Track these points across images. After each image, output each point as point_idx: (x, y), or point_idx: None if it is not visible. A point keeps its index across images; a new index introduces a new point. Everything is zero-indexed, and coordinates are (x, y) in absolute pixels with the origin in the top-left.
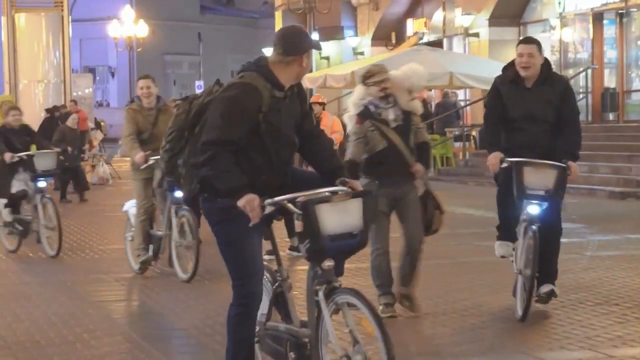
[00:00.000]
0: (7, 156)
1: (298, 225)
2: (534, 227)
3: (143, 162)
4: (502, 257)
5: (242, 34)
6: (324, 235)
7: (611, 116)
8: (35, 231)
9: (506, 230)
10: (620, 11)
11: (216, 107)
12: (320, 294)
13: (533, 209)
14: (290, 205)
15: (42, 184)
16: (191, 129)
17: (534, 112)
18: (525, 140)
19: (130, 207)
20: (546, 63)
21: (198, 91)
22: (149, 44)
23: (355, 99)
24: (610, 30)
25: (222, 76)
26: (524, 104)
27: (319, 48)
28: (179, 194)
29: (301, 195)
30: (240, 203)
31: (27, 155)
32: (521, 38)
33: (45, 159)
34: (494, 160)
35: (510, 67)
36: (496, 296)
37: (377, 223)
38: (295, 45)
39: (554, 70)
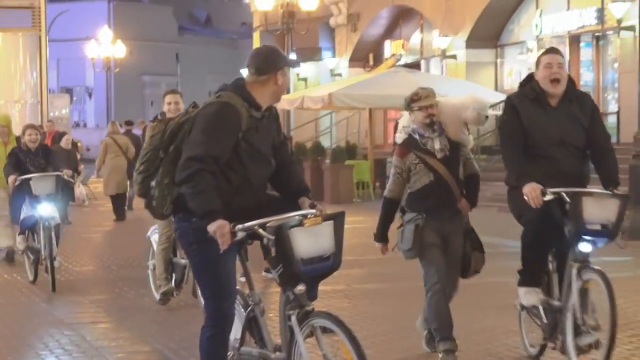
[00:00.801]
0: (10, 179)
1: (270, 250)
2: (595, 267)
3: None
4: (533, 307)
5: (220, 55)
6: (297, 260)
7: None
8: (44, 259)
9: (535, 275)
10: (597, 34)
11: (197, 124)
12: (293, 318)
13: (586, 246)
14: (261, 231)
15: (43, 209)
16: (166, 149)
17: (564, 136)
18: (555, 170)
19: (153, 233)
20: (570, 78)
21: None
22: (126, 64)
23: (401, 126)
24: (587, 53)
25: (200, 97)
26: (551, 127)
27: (294, 65)
28: None
29: (272, 220)
30: (211, 229)
31: (26, 178)
32: (546, 49)
33: (43, 183)
34: (535, 192)
35: (527, 82)
36: (470, 317)
37: (427, 257)
38: (267, 63)
39: None
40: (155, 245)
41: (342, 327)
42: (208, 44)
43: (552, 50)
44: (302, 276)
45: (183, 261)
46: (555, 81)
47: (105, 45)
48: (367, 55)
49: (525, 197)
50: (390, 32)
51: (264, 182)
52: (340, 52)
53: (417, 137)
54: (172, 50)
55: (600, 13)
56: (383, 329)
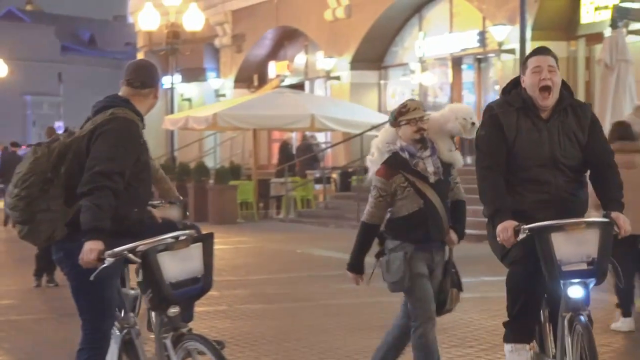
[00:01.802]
0: None
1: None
2: (582, 317)
3: None
4: None
5: (104, 75)
6: (166, 284)
7: (469, 159)
8: None
9: (525, 328)
10: (478, 56)
11: (104, 140)
12: (168, 341)
13: (575, 291)
14: (131, 256)
15: None
16: (55, 171)
17: (557, 154)
18: (544, 197)
19: None
20: (565, 85)
21: (59, 132)
22: (8, 84)
23: (380, 141)
24: (468, 75)
25: (84, 117)
26: (542, 144)
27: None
28: None
29: (142, 244)
30: (85, 247)
31: None
32: (535, 49)
33: None
34: (507, 232)
35: (512, 88)
36: (353, 338)
37: (417, 289)
38: (151, 77)
39: None
40: None
41: (213, 350)
42: (92, 64)
43: (541, 51)
44: (171, 300)
45: (133, 292)
46: (545, 90)
47: None
48: (251, 76)
49: (497, 239)
50: (275, 53)
51: (150, 193)
52: (224, 73)
53: (406, 156)
54: (55, 70)
55: (482, 36)
56: (265, 349)
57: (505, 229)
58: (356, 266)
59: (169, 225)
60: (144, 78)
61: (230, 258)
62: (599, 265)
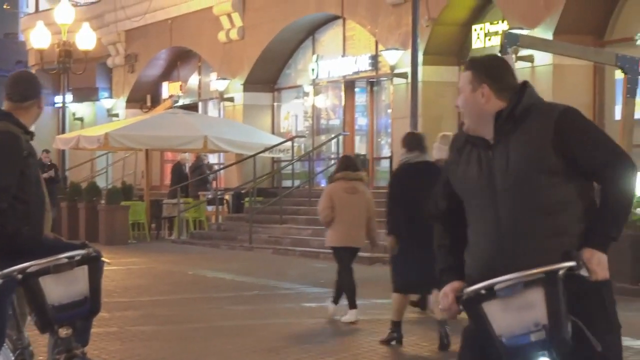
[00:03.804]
0: None
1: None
2: None
3: None
4: None
5: None
6: (49, 307)
7: None
8: None
9: None
10: (371, 80)
11: None
12: None
13: None
14: (20, 277)
15: None
16: None
17: (495, 177)
18: (478, 242)
19: None
20: (520, 87)
21: None
22: None
23: None
24: (361, 98)
25: None
26: (479, 174)
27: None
28: None
29: (33, 265)
30: None
31: None
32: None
33: None
34: (446, 300)
35: None
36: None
37: None
38: (32, 89)
39: None
40: None
41: None
42: None
43: (466, 65)
44: (56, 323)
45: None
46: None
47: None
48: (144, 96)
49: (441, 307)
50: (168, 73)
51: (44, 210)
52: (117, 93)
53: None
54: None
55: (375, 60)
56: None
57: (445, 294)
58: None
59: (67, 245)
60: (23, 91)
61: (121, 279)
62: (553, 331)
